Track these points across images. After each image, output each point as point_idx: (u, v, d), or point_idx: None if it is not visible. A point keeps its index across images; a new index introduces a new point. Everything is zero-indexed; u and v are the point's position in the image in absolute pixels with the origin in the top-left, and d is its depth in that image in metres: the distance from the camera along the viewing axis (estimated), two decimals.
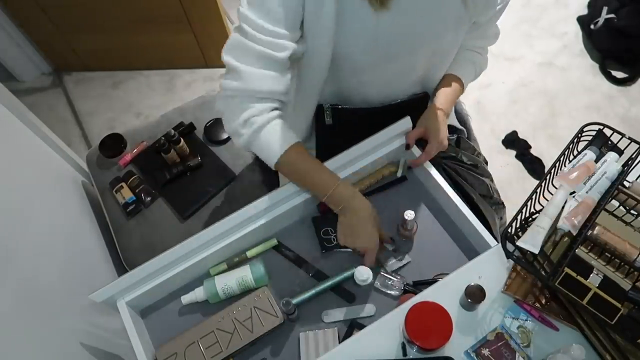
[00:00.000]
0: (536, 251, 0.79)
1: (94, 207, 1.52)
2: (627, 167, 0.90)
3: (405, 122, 1.04)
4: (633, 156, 0.91)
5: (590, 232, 0.82)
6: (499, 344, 0.82)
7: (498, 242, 0.95)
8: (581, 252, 0.82)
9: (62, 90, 2.32)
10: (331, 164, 1.01)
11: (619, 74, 2.19)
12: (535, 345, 0.82)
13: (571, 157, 0.97)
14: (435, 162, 1.08)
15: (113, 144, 1.47)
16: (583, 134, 0.97)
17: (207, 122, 1.52)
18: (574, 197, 0.87)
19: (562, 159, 0.95)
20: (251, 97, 0.88)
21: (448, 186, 1.04)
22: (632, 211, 0.86)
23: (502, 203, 1.26)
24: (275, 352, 0.96)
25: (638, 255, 0.79)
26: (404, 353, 0.83)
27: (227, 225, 0.99)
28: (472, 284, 0.84)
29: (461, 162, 1.18)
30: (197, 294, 0.99)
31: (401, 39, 0.89)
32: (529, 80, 2.22)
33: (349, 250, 1.03)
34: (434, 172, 1.06)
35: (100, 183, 1.46)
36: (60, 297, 1.09)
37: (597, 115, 2.10)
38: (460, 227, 1.04)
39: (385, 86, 1.03)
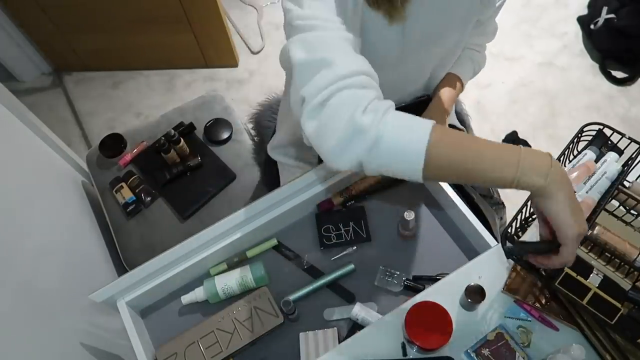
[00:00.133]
0: None
1: (94, 207, 1.52)
2: (627, 167, 0.90)
3: None
4: (633, 156, 0.91)
5: (590, 232, 0.82)
6: (499, 344, 0.82)
7: (498, 242, 0.95)
8: (581, 252, 0.82)
9: (62, 90, 2.32)
10: None
11: (619, 74, 2.19)
12: (535, 345, 0.82)
13: (571, 157, 0.97)
14: None
15: (113, 144, 1.47)
16: (583, 134, 0.97)
17: (207, 122, 1.52)
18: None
19: (562, 159, 0.95)
20: (356, 86, 0.64)
21: (448, 186, 1.04)
22: (632, 211, 0.86)
23: (502, 203, 1.26)
24: (275, 352, 0.96)
25: (638, 255, 0.79)
26: (404, 353, 0.83)
27: (227, 225, 0.99)
28: (472, 284, 0.84)
29: None
30: (197, 294, 0.99)
31: (418, 44, 0.89)
32: (529, 80, 2.22)
33: (347, 251, 1.03)
34: None
35: (100, 183, 1.46)
36: (60, 297, 1.09)
37: (597, 115, 2.10)
38: (460, 227, 1.04)
39: (393, 91, 1.02)
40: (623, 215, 0.86)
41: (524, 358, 0.80)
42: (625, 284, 0.78)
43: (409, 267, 1.01)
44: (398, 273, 0.98)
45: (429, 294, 0.88)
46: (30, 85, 2.33)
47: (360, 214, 1.07)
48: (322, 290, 1.00)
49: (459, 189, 1.12)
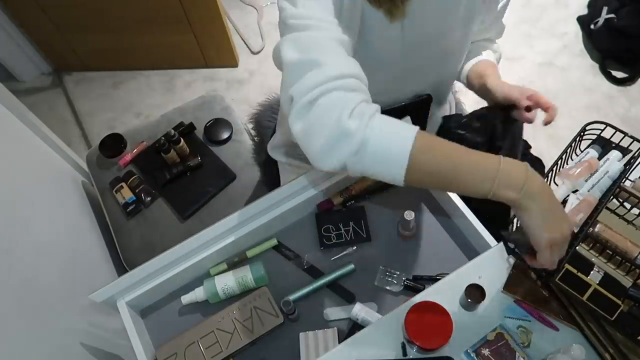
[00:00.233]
0: None
1: (94, 207, 1.52)
2: (629, 165, 0.90)
3: (405, 122, 1.04)
4: (635, 155, 0.92)
5: (591, 229, 0.83)
6: (499, 344, 0.82)
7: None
8: (582, 249, 0.82)
9: (62, 90, 2.32)
10: None
11: (619, 74, 2.19)
12: (535, 345, 0.82)
13: (573, 155, 0.97)
14: None
15: (113, 144, 1.47)
16: (585, 133, 0.97)
17: (207, 122, 1.52)
18: (576, 195, 0.88)
19: (564, 157, 0.95)
20: (344, 88, 0.65)
21: None
22: (633, 209, 0.86)
23: None
24: (275, 352, 0.96)
25: (639, 254, 0.79)
26: (404, 353, 0.83)
27: (227, 225, 0.99)
28: (472, 284, 0.84)
29: None
30: (197, 294, 0.99)
31: (419, 41, 0.89)
32: (529, 80, 2.22)
33: (347, 251, 1.03)
34: None
35: (100, 183, 1.46)
36: (60, 297, 1.09)
37: (597, 115, 2.10)
38: (460, 227, 1.04)
39: (394, 90, 1.02)
40: (625, 214, 0.86)
41: (524, 358, 0.80)
42: (626, 282, 0.78)
43: (409, 267, 1.01)
44: (398, 273, 0.98)
45: (429, 294, 0.88)
46: (30, 85, 2.33)
47: (360, 214, 1.07)
48: (322, 290, 1.00)
49: None
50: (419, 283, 0.97)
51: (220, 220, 0.98)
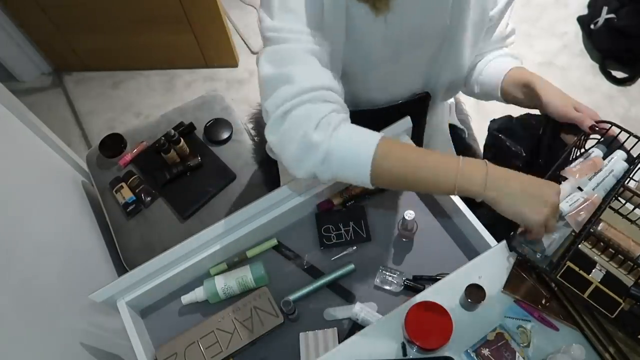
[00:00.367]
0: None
1: (94, 207, 1.52)
2: (633, 165, 0.90)
3: (405, 122, 1.04)
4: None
5: (594, 228, 0.83)
6: (499, 344, 0.82)
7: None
8: (584, 247, 0.82)
9: (62, 90, 2.32)
10: None
11: (619, 74, 2.19)
12: (535, 345, 0.82)
13: (577, 153, 0.97)
14: None
15: (113, 144, 1.47)
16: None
17: (207, 122, 1.52)
18: (580, 193, 0.87)
19: (567, 156, 0.94)
20: (313, 101, 0.70)
21: None
22: (637, 209, 0.86)
23: None
24: (275, 352, 0.96)
25: None
26: (404, 353, 0.83)
27: (227, 225, 0.99)
28: (472, 284, 0.84)
29: None
30: (197, 294, 0.99)
31: (406, 36, 0.88)
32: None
33: (347, 251, 1.03)
34: None
35: (100, 183, 1.46)
36: (60, 297, 1.09)
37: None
38: (460, 227, 1.04)
39: (388, 88, 1.02)
40: (628, 214, 0.86)
41: (524, 358, 0.80)
42: (628, 280, 0.78)
43: (409, 267, 1.01)
44: (398, 273, 0.98)
45: (429, 294, 0.88)
46: (30, 85, 2.33)
47: (360, 214, 1.07)
48: (322, 290, 1.00)
49: None
50: (419, 283, 0.97)
51: (220, 220, 0.98)
